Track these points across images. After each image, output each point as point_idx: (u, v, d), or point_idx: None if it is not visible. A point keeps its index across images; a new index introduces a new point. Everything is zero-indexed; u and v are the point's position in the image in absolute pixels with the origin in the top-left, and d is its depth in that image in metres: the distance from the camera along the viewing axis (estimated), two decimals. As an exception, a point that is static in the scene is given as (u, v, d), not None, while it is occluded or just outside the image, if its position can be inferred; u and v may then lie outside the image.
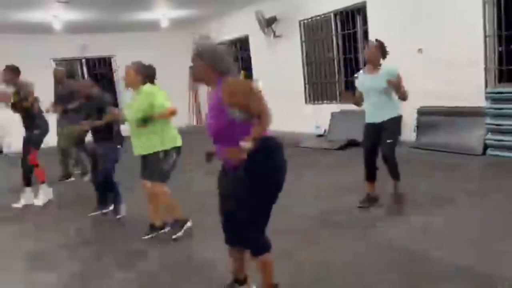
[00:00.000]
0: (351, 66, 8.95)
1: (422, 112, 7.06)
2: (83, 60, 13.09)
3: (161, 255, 3.70)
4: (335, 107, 8.96)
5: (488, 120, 6.08)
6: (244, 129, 2.32)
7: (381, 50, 4.22)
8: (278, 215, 2.71)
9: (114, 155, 4.69)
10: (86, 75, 13.21)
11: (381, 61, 4.26)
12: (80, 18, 10.19)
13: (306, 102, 9.99)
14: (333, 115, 8.84)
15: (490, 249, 3.16)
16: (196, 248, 3.79)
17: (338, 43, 9.07)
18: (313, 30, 9.59)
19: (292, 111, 9.91)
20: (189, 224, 4.03)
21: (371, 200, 4.36)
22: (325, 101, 9.49)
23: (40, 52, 11.84)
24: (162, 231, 4.11)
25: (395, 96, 4.20)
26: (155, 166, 3.85)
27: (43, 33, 11.19)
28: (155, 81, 4.03)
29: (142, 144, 3.85)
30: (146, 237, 4.04)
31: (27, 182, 5.70)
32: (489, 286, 2.69)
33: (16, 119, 5.96)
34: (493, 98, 6.04)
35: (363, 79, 4.31)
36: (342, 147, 7.62)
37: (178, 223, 4.02)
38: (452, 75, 6.52)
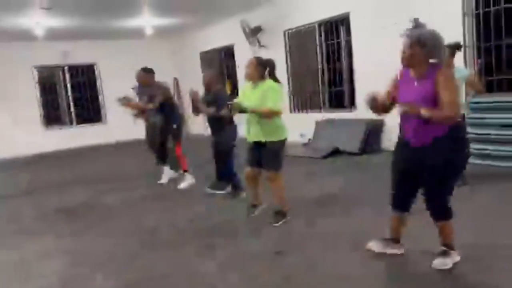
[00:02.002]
0: (335, 76, 9.06)
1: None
2: (66, 68, 12.95)
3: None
4: (320, 115, 9.02)
5: (468, 129, 6.19)
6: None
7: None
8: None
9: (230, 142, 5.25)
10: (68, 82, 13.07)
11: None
12: (62, 25, 10.09)
13: (290, 111, 10.05)
14: (317, 123, 8.90)
15: (468, 254, 3.19)
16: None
17: (322, 53, 9.17)
18: (297, 40, 9.69)
19: (276, 120, 9.94)
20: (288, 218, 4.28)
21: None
22: (309, 110, 9.56)
23: (22, 59, 11.69)
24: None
25: None
26: (270, 155, 4.13)
27: (25, 40, 11.03)
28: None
29: (256, 132, 4.13)
30: (277, 224, 4.20)
31: (163, 162, 6.53)
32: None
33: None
34: (472, 107, 6.16)
35: None
36: (326, 156, 7.67)
37: (280, 214, 4.26)
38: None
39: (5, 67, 11.48)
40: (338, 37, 8.76)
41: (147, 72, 6.39)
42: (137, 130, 7.51)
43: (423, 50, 2.71)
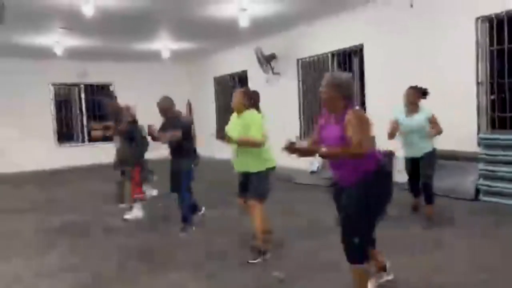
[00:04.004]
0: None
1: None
2: (82, 86, 13.19)
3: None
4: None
5: (481, 165, 6.12)
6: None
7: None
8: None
9: (187, 172, 5.07)
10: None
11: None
12: (81, 45, 10.33)
13: (301, 138, 10.04)
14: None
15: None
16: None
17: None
18: (310, 68, 9.77)
19: (286, 146, 9.95)
20: (267, 256, 4.08)
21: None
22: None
23: (40, 76, 11.95)
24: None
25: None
26: (254, 184, 4.07)
27: (44, 58, 11.30)
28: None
29: (242, 163, 4.12)
30: (253, 261, 4.01)
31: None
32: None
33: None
34: (485, 144, 6.10)
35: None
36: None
37: (257, 250, 4.09)
38: (445, 119, 6.59)
39: (23, 83, 11.74)
40: (351, 67, 8.82)
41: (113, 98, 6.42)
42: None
43: (337, 92, 2.81)
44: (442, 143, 6.59)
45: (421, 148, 5.00)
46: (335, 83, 2.84)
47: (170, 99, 5.30)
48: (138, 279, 3.76)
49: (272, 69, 10.36)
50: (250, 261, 3.99)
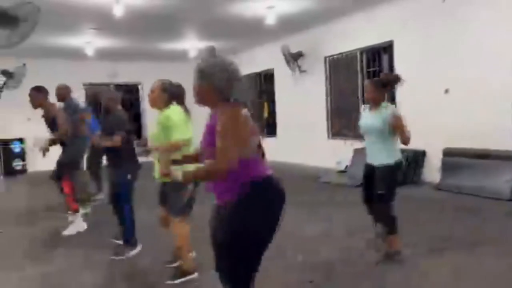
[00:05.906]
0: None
1: (448, 153, 6.89)
2: (111, 86, 13.44)
3: None
4: (358, 143, 8.85)
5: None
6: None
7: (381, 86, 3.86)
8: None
9: (123, 182, 4.17)
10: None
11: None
12: (111, 45, 10.54)
13: (328, 137, 9.94)
14: (355, 151, 8.73)
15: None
16: None
17: (363, 80, 9.07)
18: (338, 66, 9.65)
19: (314, 145, 9.88)
20: (193, 276, 3.50)
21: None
22: (347, 137, 9.41)
23: (72, 76, 12.21)
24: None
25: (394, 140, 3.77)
26: (170, 197, 3.50)
27: (75, 59, 11.57)
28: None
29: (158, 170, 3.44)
30: (172, 282, 3.45)
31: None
32: None
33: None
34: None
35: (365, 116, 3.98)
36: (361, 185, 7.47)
37: (180, 271, 3.51)
38: (479, 117, 6.40)
39: (56, 84, 12.01)
40: (380, 64, 8.65)
41: (38, 91, 5.27)
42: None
43: (207, 83, 2.15)
44: (474, 142, 6.42)
45: (376, 155, 3.81)
46: (200, 70, 2.19)
47: (114, 93, 4.57)
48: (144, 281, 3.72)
49: (299, 67, 10.28)
50: (168, 282, 3.42)
